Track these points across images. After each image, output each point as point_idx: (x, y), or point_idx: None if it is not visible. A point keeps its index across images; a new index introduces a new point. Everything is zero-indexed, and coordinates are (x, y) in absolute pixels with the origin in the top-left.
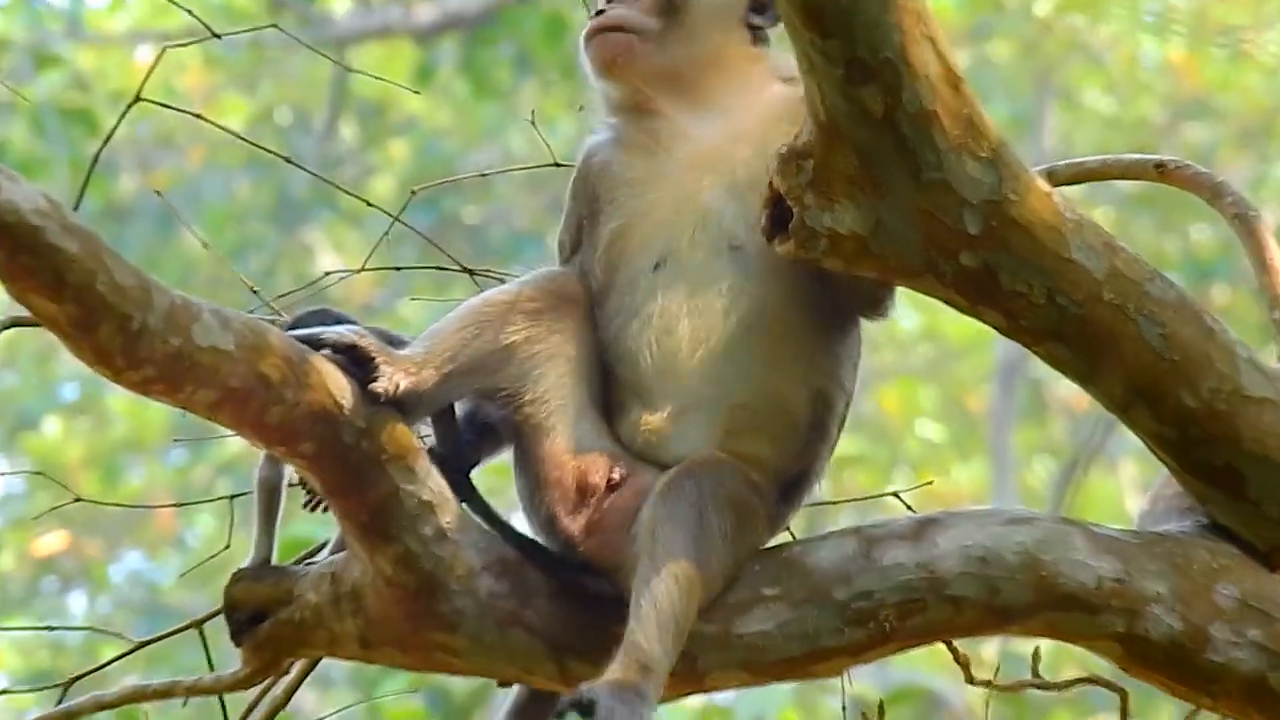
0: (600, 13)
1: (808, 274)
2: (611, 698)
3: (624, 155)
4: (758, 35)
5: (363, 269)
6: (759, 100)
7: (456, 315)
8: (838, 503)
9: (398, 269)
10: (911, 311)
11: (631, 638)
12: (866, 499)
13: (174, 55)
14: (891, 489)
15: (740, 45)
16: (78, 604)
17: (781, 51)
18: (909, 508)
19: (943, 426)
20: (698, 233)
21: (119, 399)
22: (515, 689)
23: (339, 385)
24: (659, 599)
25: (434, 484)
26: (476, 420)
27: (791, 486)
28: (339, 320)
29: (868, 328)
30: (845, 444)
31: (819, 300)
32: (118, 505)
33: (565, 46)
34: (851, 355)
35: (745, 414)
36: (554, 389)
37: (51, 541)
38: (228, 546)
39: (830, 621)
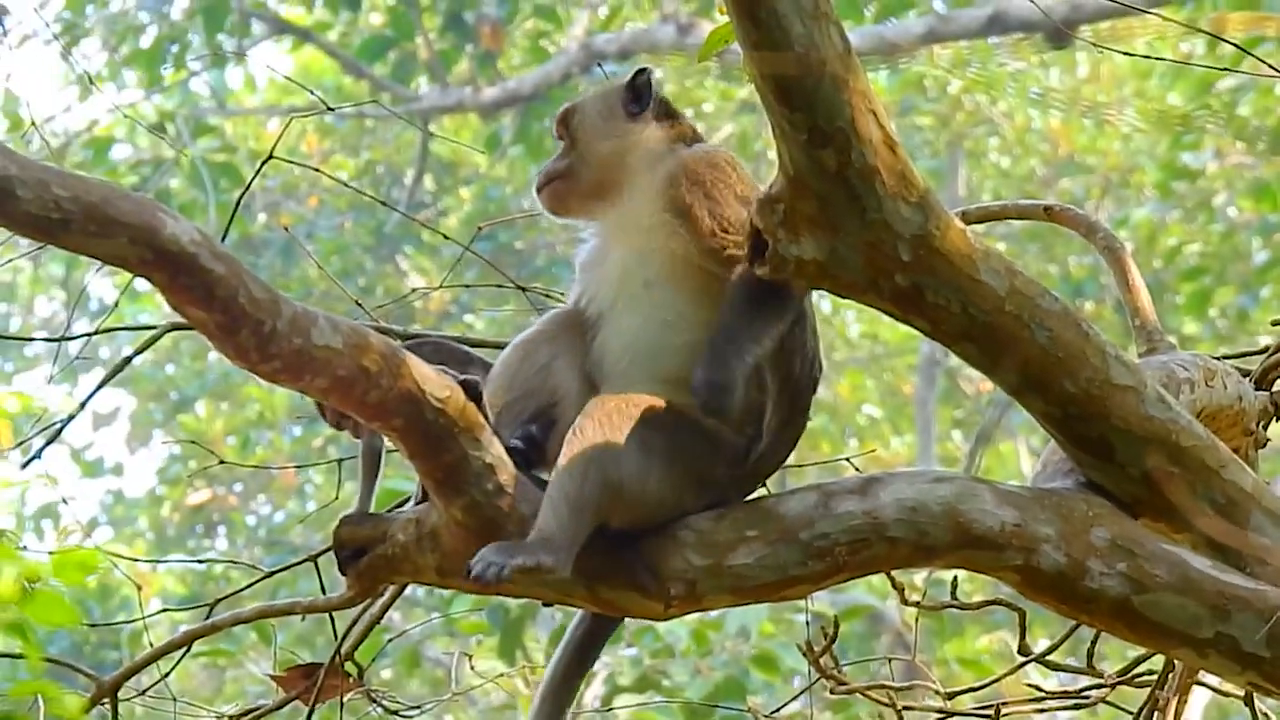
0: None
1: (702, 283)
2: (491, 550)
3: (592, 244)
4: (639, 118)
5: (440, 286)
6: (652, 171)
7: (503, 359)
8: (803, 466)
9: (466, 286)
10: (858, 319)
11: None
12: (824, 463)
13: (296, 124)
14: (844, 455)
15: (627, 138)
16: (220, 544)
17: (648, 120)
18: (856, 469)
19: (882, 407)
20: (626, 279)
21: (253, 386)
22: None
23: (422, 375)
24: (554, 482)
25: (495, 451)
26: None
27: (753, 435)
28: (439, 349)
29: (824, 332)
30: (811, 424)
31: (716, 298)
32: (251, 466)
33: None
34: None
35: (675, 384)
36: (572, 389)
37: (200, 496)
38: (336, 498)
39: (796, 556)
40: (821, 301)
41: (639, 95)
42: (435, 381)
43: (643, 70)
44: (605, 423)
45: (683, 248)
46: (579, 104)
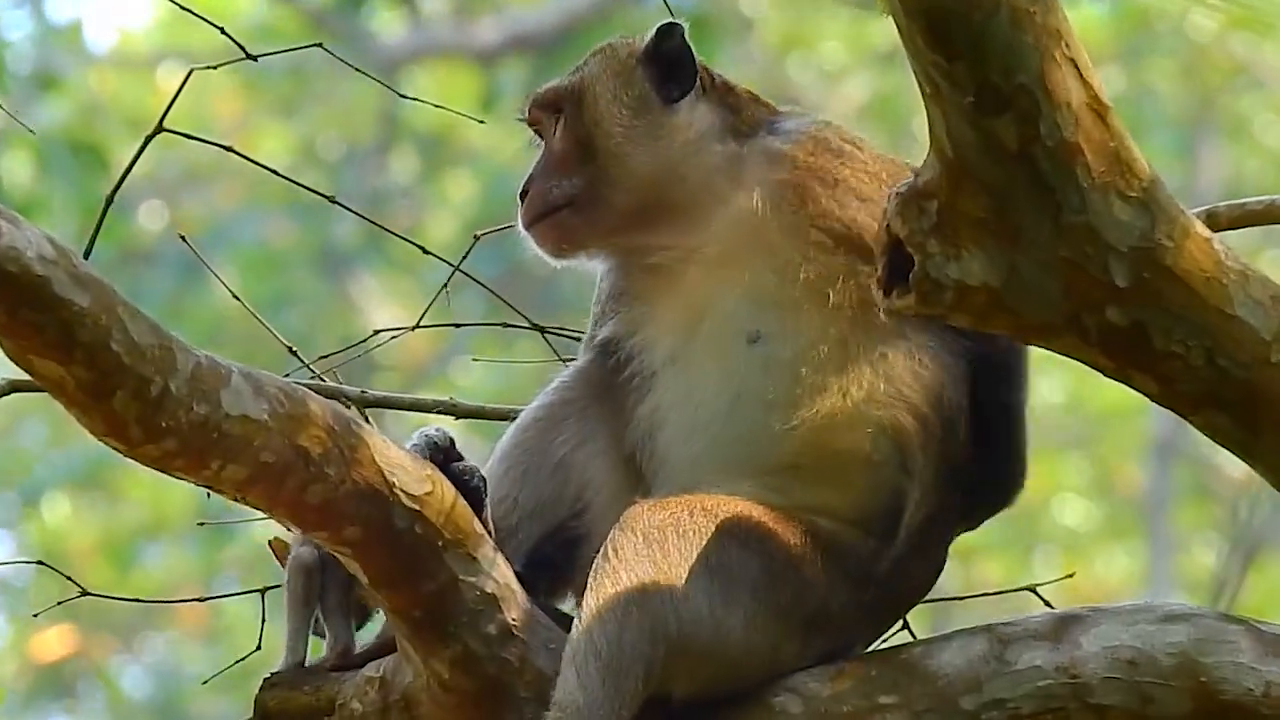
0: (524, 192)
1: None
2: None
3: (633, 269)
4: (678, 104)
5: (417, 326)
6: (738, 181)
7: (507, 444)
8: (965, 598)
9: (457, 325)
10: (1053, 377)
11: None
12: (997, 594)
13: (204, 79)
14: (1027, 583)
15: (674, 137)
16: (87, 713)
17: (694, 104)
18: (1046, 603)
19: (1089, 507)
20: (710, 330)
21: (138, 473)
22: None
23: (390, 460)
24: (580, 632)
25: (499, 575)
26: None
27: (890, 524)
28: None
29: None
30: (974, 533)
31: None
32: (130, 599)
33: None
34: (921, 372)
35: (777, 478)
36: (606, 487)
37: (57, 644)
38: (258, 646)
39: None
40: None
41: (673, 68)
42: (410, 470)
43: (669, 27)
44: (656, 542)
45: (820, 286)
46: (579, 84)
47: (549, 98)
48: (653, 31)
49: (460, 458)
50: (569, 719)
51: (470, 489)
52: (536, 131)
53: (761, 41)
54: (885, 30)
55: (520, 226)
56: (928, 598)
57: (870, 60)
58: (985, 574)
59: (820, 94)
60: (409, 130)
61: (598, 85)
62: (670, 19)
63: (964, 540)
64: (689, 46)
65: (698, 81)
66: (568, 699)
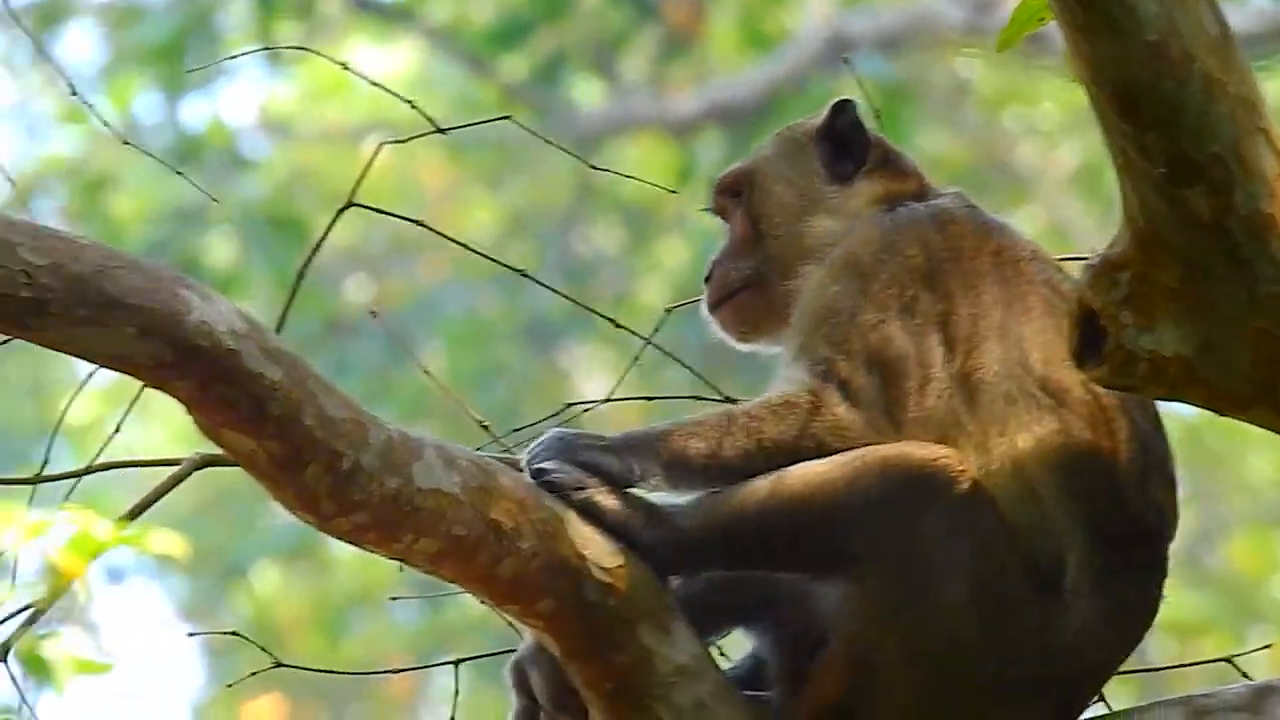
0: (710, 276)
1: None
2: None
3: None
4: (851, 180)
5: (609, 399)
6: None
7: None
8: (1161, 669)
9: (649, 399)
10: (1265, 451)
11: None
12: (1195, 665)
13: (409, 152)
14: (1229, 654)
15: (839, 214)
16: None
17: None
18: (1245, 675)
19: None
20: None
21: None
22: None
23: (581, 534)
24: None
25: (690, 647)
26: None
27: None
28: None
29: (1203, 465)
30: (1190, 605)
31: None
32: (328, 672)
33: None
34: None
35: None
36: None
37: (265, 710)
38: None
39: None
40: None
41: (846, 142)
42: (601, 543)
43: (843, 104)
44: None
45: None
46: (753, 167)
47: (728, 182)
48: (827, 109)
49: None
50: (658, 511)
51: (658, 556)
52: (723, 217)
53: (976, 102)
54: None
55: (704, 310)
56: (1128, 669)
57: (1084, 124)
58: (1200, 649)
59: (1034, 156)
60: (613, 200)
61: (770, 167)
62: (844, 97)
63: (1178, 613)
64: (860, 123)
65: (870, 157)
66: (677, 515)
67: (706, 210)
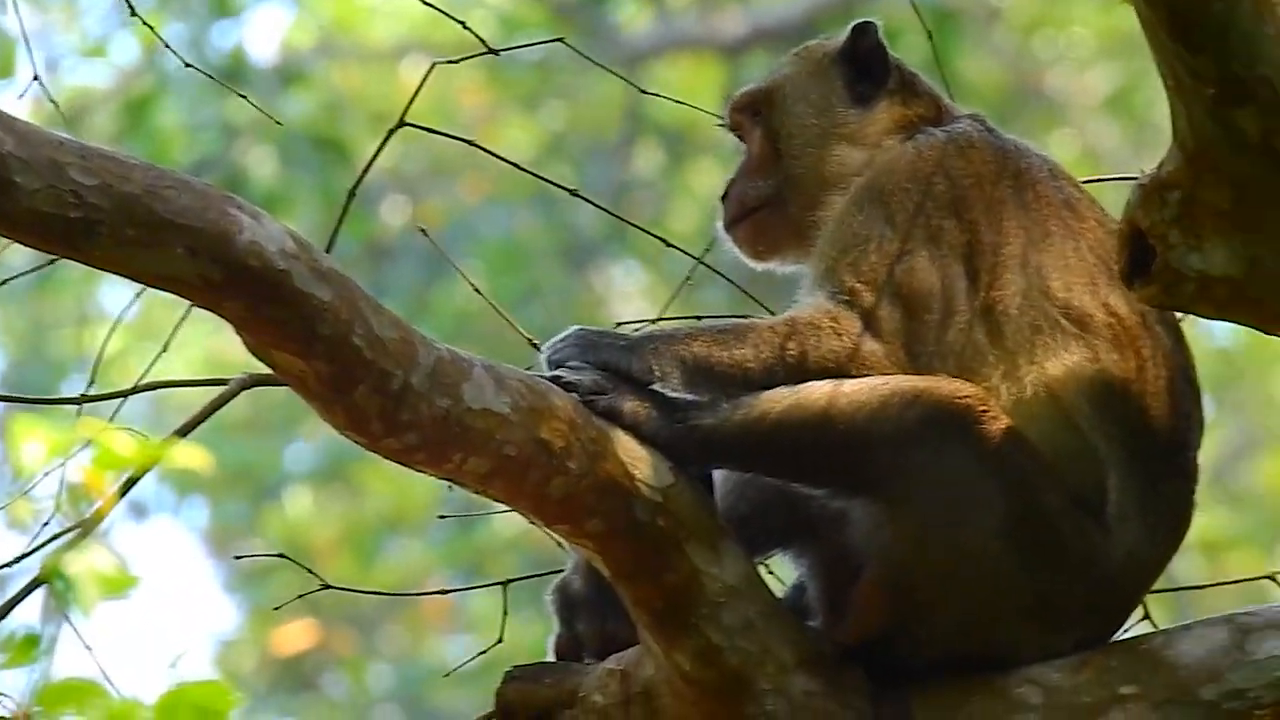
0: (726, 195)
1: None
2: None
3: None
4: (873, 101)
5: (659, 318)
6: None
7: None
8: (1204, 587)
9: (699, 318)
10: None
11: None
12: (1236, 582)
13: (447, 73)
14: (1270, 571)
15: (859, 136)
16: (326, 711)
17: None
18: None
19: None
20: None
21: (380, 466)
22: None
23: (632, 453)
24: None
25: (739, 567)
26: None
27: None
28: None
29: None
30: (1219, 523)
31: None
32: (372, 592)
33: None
34: None
35: None
36: None
37: (299, 638)
38: (500, 639)
39: None
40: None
41: (868, 64)
42: (651, 463)
43: (865, 26)
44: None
45: None
46: (773, 85)
47: (745, 101)
48: (848, 30)
49: None
50: (678, 404)
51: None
52: (739, 135)
53: (1008, 28)
54: (1132, 18)
55: (720, 228)
56: (1167, 587)
57: (1116, 48)
58: (1229, 566)
59: (1065, 82)
60: (652, 124)
61: (791, 86)
62: (867, 19)
63: (1208, 532)
64: (883, 45)
65: (890, 79)
66: (704, 412)
67: (722, 126)
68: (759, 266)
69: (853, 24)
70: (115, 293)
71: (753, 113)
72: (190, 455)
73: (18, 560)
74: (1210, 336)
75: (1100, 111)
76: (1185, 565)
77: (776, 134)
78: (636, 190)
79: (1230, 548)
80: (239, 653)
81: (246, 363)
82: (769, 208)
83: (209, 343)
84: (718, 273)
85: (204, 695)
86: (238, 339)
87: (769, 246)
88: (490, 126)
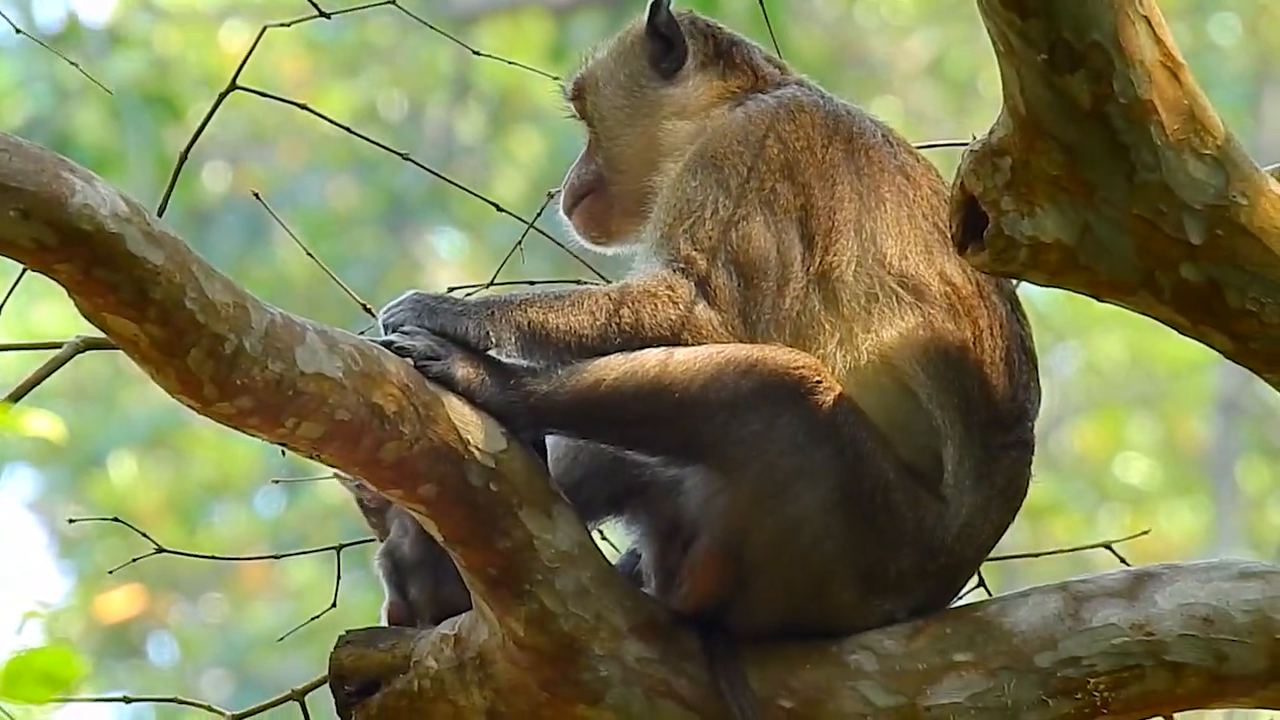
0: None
1: None
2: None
3: None
4: (677, 76)
5: (491, 284)
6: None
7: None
8: (1040, 555)
9: (531, 283)
10: (1116, 334)
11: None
12: (1074, 550)
13: (269, 37)
14: (1094, 541)
15: (660, 113)
16: (153, 675)
17: (697, 74)
18: (1122, 560)
19: (1154, 465)
20: None
21: (206, 429)
22: None
23: (465, 418)
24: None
25: (573, 533)
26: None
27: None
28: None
29: (1061, 352)
30: (1041, 490)
31: None
32: (207, 557)
33: (727, 22)
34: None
35: None
36: None
37: (124, 604)
38: (334, 604)
39: (1031, 692)
40: (1043, 299)
41: (668, 41)
42: (485, 428)
43: (656, 3)
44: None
45: None
46: (588, 71)
47: (572, 89)
48: (647, 5)
49: None
50: (515, 374)
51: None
52: (580, 116)
53: None
54: None
55: (561, 216)
56: (1001, 555)
57: (936, 14)
58: (1052, 532)
59: (886, 48)
60: (475, 88)
61: (602, 70)
62: None
63: (1032, 499)
64: (673, 18)
65: (692, 53)
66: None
67: (571, 117)
68: (604, 251)
69: (649, 1)
70: None
71: (580, 98)
72: (42, 422)
73: None
74: (1027, 301)
75: (922, 77)
76: (1010, 533)
77: (593, 118)
78: (458, 157)
79: (1054, 514)
80: (66, 620)
81: (68, 335)
82: (594, 193)
83: (30, 313)
84: (549, 237)
85: (49, 663)
86: (58, 311)
87: (601, 231)
88: (309, 92)
